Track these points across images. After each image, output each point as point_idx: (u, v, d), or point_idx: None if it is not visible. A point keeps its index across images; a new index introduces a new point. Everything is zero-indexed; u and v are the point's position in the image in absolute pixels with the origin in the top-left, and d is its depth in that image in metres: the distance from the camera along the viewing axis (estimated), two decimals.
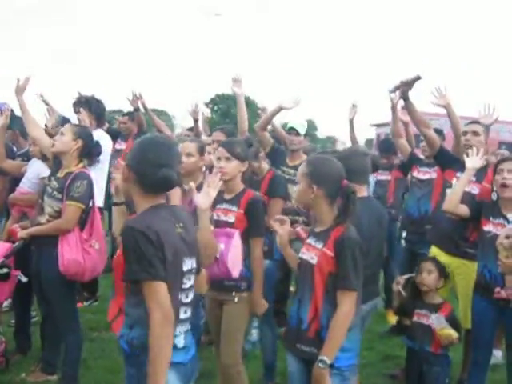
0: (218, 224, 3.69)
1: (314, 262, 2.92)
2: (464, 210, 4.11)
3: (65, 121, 4.83)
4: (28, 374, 4.38)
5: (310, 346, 2.90)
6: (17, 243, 4.10)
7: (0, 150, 4.93)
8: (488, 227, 3.99)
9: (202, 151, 4.06)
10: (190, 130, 6.59)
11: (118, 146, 6.77)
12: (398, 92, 4.66)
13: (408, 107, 4.72)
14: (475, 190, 4.50)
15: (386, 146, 6.72)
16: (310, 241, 3.03)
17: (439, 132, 5.37)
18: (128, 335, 2.39)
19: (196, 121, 6.24)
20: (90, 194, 4.00)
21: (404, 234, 5.90)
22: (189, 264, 2.50)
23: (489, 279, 3.92)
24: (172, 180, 2.48)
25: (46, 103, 5.98)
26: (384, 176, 6.61)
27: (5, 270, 3.97)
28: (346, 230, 2.89)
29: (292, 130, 5.29)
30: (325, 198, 2.96)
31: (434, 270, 3.98)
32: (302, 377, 2.98)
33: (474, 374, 4.12)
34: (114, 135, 6.40)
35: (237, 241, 3.45)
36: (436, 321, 3.84)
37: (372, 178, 6.74)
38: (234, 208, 3.74)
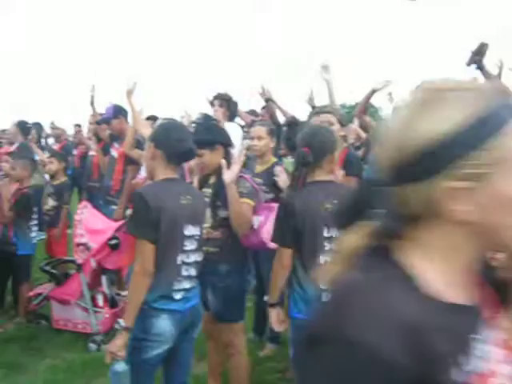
0: None
1: None
2: None
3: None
4: None
5: None
6: (126, 219, 4.98)
7: (130, 139, 5.75)
8: None
9: (271, 133, 4.54)
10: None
11: None
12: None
13: (485, 76, 4.65)
14: None
15: None
16: None
17: None
18: None
19: (267, 101, 6.58)
20: None
21: None
22: (192, 230, 3.03)
23: None
24: (192, 150, 3.07)
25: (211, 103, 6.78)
26: None
27: (114, 242, 4.86)
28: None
29: None
30: None
31: None
32: None
33: None
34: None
35: None
36: None
37: None
38: None
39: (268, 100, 7.06)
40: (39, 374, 4.55)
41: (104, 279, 5.22)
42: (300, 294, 3.12)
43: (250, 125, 7.07)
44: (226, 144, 3.77)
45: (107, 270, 5.21)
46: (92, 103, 6.28)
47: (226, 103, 5.88)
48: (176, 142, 2.97)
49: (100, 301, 5.15)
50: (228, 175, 3.49)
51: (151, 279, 2.84)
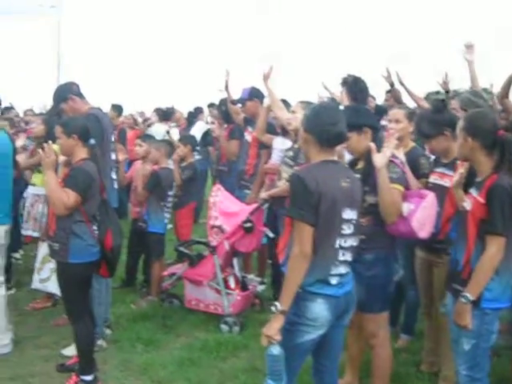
0: (435, 187, 3.91)
1: (468, 208, 3.09)
2: None
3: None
4: None
5: (463, 286, 3.05)
6: (259, 203, 4.99)
7: (262, 125, 5.71)
8: None
9: (410, 117, 4.36)
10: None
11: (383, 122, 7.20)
12: None
13: None
14: None
15: None
16: (471, 190, 3.17)
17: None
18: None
19: (392, 85, 6.32)
20: None
21: None
22: (350, 214, 2.93)
23: None
24: (343, 134, 2.97)
25: (326, 88, 6.67)
26: None
27: (249, 225, 4.87)
28: (499, 178, 2.99)
29: None
30: (481, 150, 3.09)
31: None
32: None
33: None
34: (381, 111, 6.82)
35: (429, 202, 3.56)
36: None
37: None
38: (451, 173, 3.94)
39: (393, 84, 6.85)
40: (175, 352, 4.65)
41: (235, 262, 5.25)
42: (496, 282, 3.01)
43: (375, 109, 6.92)
44: (374, 127, 3.65)
45: (238, 253, 5.25)
46: (226, 87, 6.33)
47: (345, 86, 5.66)
48: (327, 126, 2.90)
49: (232, 283, 5.19)
50: (379, 160, 3.38)
51: (309, 262, 2.79)
